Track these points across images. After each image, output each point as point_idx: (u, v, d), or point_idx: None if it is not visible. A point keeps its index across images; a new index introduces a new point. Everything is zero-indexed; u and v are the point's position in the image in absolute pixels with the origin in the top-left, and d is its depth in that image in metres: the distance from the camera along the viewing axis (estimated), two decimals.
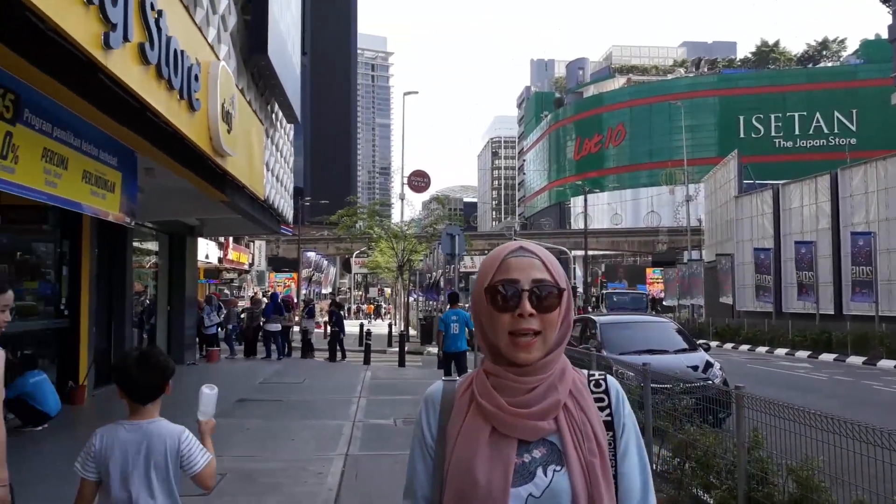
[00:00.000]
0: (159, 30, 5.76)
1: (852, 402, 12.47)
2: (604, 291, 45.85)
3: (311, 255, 58.11)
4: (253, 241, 39.74)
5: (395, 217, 36.20)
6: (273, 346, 19.01)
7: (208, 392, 2.74)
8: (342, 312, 21.53)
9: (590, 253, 58.16)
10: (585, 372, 1.50)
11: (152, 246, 15.02)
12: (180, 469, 2.61)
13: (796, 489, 4.59)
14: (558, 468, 1.35)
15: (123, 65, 5.20)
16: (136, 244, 13.22)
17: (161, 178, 8.47)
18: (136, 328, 13.37)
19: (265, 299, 21.30)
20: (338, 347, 19.45)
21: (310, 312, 21.41)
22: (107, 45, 4.80)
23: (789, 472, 4.68)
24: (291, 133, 16.08)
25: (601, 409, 1.44)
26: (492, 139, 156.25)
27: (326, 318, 21.49)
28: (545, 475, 1.35)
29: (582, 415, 1.40)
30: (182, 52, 6.43)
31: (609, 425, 1.43)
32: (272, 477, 6.60)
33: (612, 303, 37.23)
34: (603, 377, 1.51)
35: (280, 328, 19.07)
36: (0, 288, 3.16)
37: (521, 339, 1.36)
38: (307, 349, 20.01)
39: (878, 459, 3.93)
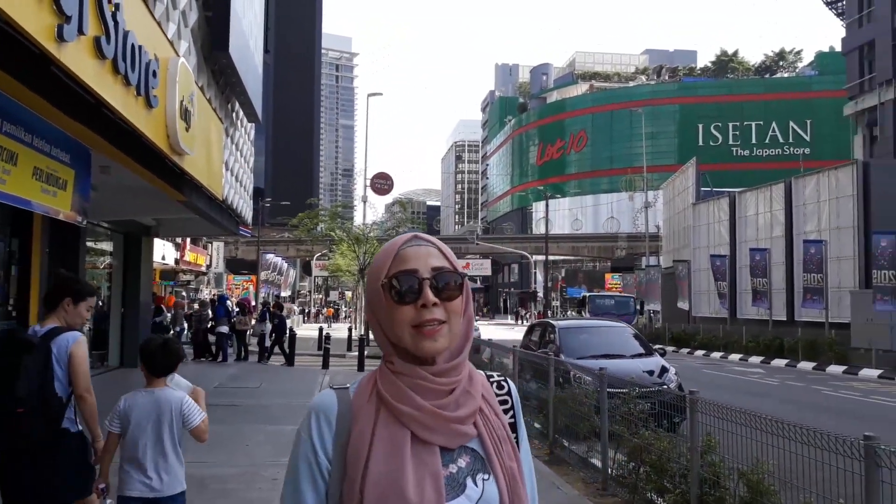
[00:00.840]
0: (116, 23, 5.64)
1: (802, 407, 12.76)
2: (588, 294, 40.60)
3: (271, 257, 57.49)
4: (211, 243, 39.10)
5: (358, 220, 35.94)
6: (230, 350, 18.74)
7: (174, 383, 3.74)
8: (284, 314, 21.42)
9: (550, 258, 58.66)
10: (482, 373, 1.43)
11: (106, 246, 14.68)
12: (181, 424, 3.61)
13: (747, 493, 4.67)
14: (486, 476, 1.29)
15: (78, 58, 5.07)
16: (89, 244, 12.91)
17: (116, 176, 8.27)
18: (90, 330, 13.05)
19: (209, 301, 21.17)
20: (277, 350, 19.46)
21: (262, 316, 21.20)
22: (60, 38, 4.68)
23: (740, 476, 4.76)
24: (252, 132, 15.88)
25: (505, 411, 1.40)
26: (456, 143, 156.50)
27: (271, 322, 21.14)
28: (476, 485, 1.27)
29: (496, 419, 1.35)
30: (140, 47, 6.30)
31: (513, 427, 1.39)
32: (225, 483, 6.50)
33: (595, 307, 33.95)
34: (504, 379, 1.46)
35: (227, 330, 18.89)
36: (90, 293, 4.13)
37: (426, 327, 1.27)
38: (263, 353, 19.80)
39: (826, 463, 4.02)
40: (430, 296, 1.27)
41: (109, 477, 3.69)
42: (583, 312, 34.40)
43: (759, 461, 4.62)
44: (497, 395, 1.41)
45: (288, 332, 20.32)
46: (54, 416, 3.73)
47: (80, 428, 3.90)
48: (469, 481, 1.27)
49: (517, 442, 1.38)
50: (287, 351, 19.22)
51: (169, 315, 20.80)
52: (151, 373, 3.66)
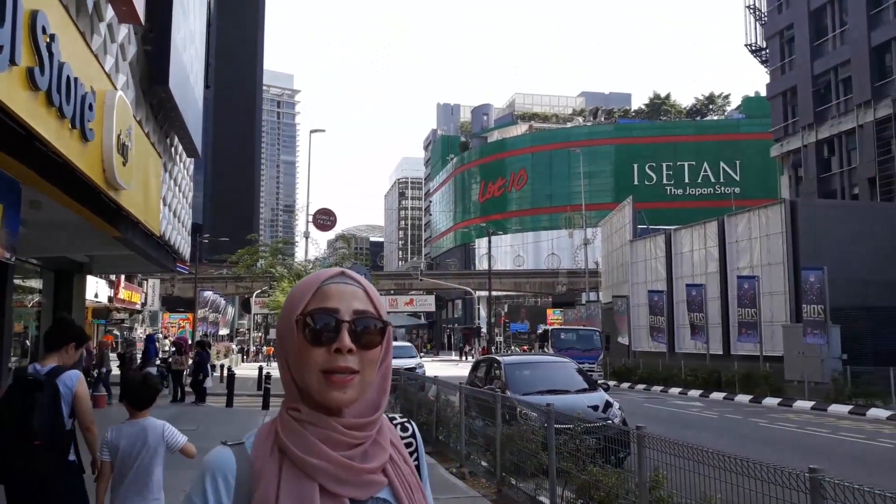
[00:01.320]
0: (51, 55, 5.47)
1: (743, 440, 13.01)
2: (550, 328, 37.26)
3: (209, 294, 56.16)
4: (146, 280, 37.99)
5: (300, 256, 35.52)
6: (165, 390, 18.15)
7: (170, 429, 4.10)
8: (208, 352, 20.95)
9: (493, 293, 58.96)
10: (385, 416, 1.36)
11: (35, 283, 14.06)
12: (168, 449, 4.06)
13: None
14: None
15: (9, 89, 4.88)
16: (17, 281, 12.35)
17: (48, 211, 7.96)
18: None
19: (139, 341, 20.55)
20: (203, 390, 18.99)
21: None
22: None
23: None
24: (191, 167, 15.59)
25: (410, 454, 1.34)
26: (399, 180, 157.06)
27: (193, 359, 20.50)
28: None
29: (406, 466, 1.28)
30: (76, 79, 6.13)
31: (418, 470, 1.33)
32: None
33: (559, 342, 31.35)
34: (407, 421, 1.42)
35: (155, 372, 18.34)
36: (88, 338, 4.66)
37: (335, 375, 1.17)
38: (200, 394, 19.21)
39: (771, 496, 4.07)
40: (346, 341, 1.17)
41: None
42: (545, 348, 31.99)
43: (706, 495, 4.64)
44: (401, 438, 1.35)
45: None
46: (65, 448, 4.17)
47: (75, 458, 4.31)
48: None
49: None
50: (201, 390, 18.74)
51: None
52: (134, 407, 4.08)
